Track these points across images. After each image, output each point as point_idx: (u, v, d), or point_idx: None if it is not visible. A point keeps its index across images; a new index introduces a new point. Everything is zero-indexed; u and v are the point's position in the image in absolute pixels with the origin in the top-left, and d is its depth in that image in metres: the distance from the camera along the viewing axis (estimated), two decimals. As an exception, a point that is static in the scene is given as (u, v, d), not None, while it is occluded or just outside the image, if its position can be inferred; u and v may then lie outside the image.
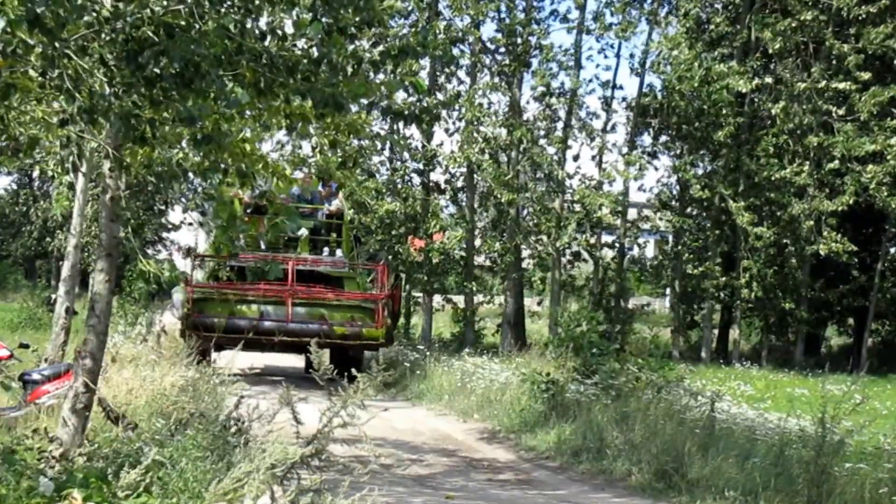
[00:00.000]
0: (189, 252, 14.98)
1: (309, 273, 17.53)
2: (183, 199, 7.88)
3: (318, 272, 17.80)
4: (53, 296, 13.69)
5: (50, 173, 13.92)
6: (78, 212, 11.32)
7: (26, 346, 11.18)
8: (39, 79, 5.78)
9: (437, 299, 25.54)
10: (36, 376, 9.32)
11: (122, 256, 6.99)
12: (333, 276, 18.06)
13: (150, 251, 37.06)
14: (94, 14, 5.32)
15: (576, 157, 24.53)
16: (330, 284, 17.84)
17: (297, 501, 5.42)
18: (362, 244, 20.82)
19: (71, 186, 12.07)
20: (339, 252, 18.24)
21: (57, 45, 5.13)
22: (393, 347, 18.28)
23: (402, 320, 22.95)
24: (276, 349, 17.05)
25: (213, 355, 15.73)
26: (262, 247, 17.05)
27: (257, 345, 16.40)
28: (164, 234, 39.52)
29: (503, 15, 22.94)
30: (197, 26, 5.55)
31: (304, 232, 17.60)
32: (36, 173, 36.36)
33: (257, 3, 5.77)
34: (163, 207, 35.72)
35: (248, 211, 16.06)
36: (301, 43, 6.15)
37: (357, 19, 5.95)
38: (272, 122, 7.18)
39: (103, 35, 5.41)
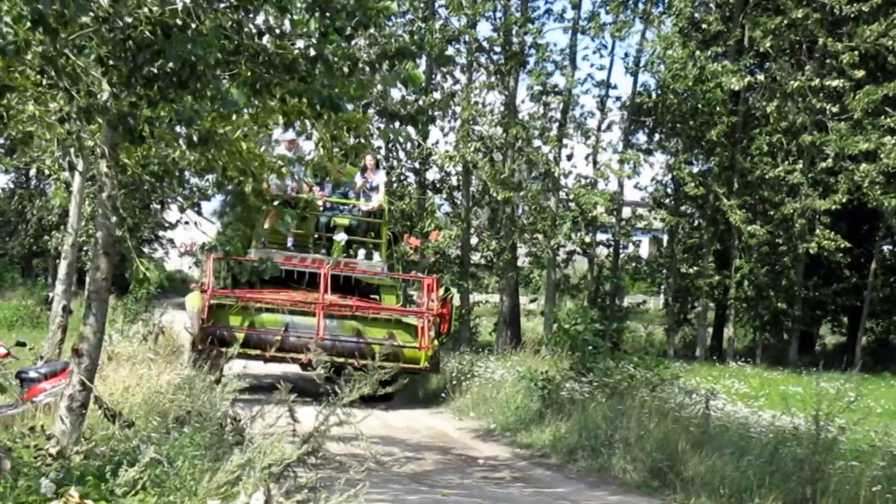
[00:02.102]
0: (203, 249, 13.58)
1: (342, 279, 15.47)
2: (179, 199, 7.88)
3: (351, 278, 15.64)
4: (50, 294, 13.66)
5: (46, 171, 13.89)
6: (74, 210, 11.30)
7: (23, 344, 11.21)
8: (37, 77, 5.80)
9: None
10: (33, 374, 9.33)
11: (119, 255, 6.99)
12: (369, 284, 16.05)
13: (146, 250, 36.94)
14: (91, 14, 5.34)
15: (569, 157, 24.56)
16: (364, 293, 15.93)
17: (292, 498, 5.44)
18: (398, 244, 18.72)
19: (67, 185, 12.06)
20: (376, 256, 16.16)
21: (57, 44, 5.15)
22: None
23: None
24: (304, 368, 14.31)
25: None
26: (290, 246, 15.54)
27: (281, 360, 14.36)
28: (161, 233, 39.36)
29: (499, 14, 22.97)
30: (193, 26, 5.57)
31: (342, 236, 15.62)
32: (33, 171, 36.24)
33: (254, 3, 5.80)
34: (158, 206, 35.62)
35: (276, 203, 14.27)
36: (299, 43, 6.18)
37: (353, 20, 5.98)
38: (269, 120, 7.21)
39: (101, 34, 5.43)
